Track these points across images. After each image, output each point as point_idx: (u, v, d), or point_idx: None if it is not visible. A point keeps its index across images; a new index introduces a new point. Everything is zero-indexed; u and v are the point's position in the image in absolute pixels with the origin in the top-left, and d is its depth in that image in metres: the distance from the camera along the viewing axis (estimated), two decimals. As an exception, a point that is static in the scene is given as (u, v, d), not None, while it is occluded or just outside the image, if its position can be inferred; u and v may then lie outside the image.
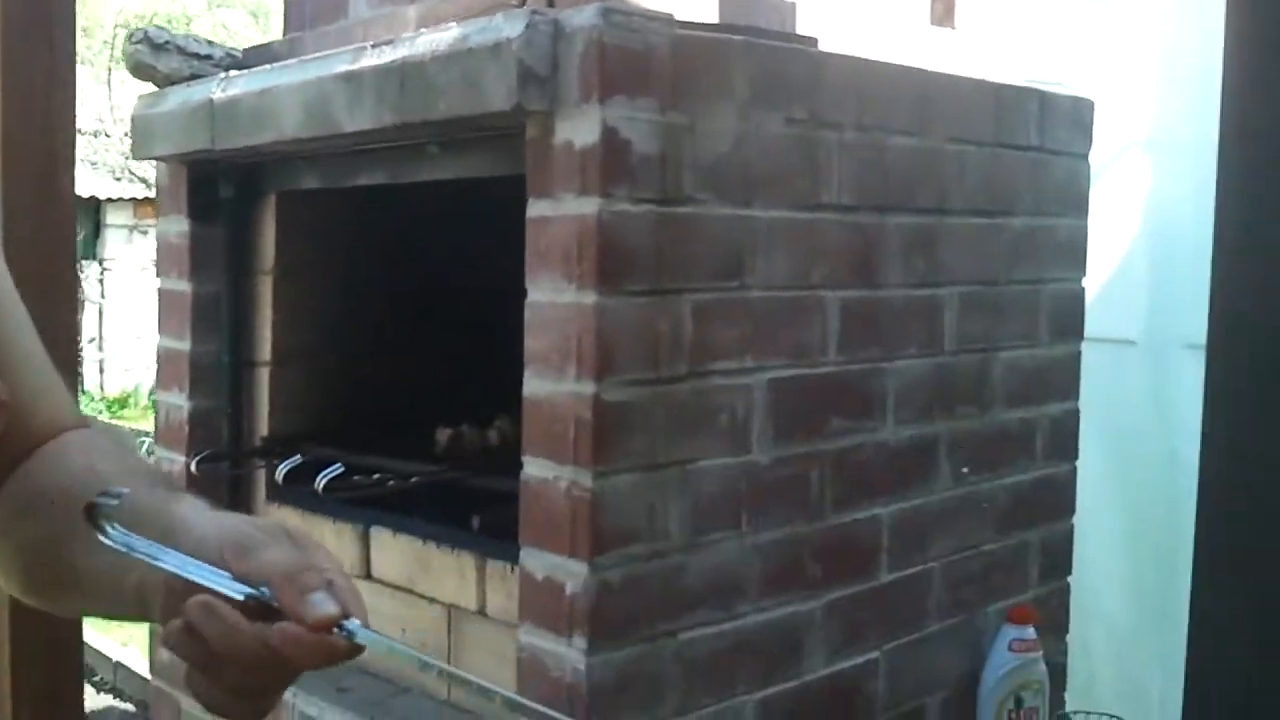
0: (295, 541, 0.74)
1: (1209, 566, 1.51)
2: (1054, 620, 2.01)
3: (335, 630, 0.69)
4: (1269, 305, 1.45)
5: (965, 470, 1.80)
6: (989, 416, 1.83)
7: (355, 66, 1.56)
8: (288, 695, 1.79)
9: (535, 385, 1.37)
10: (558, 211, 1.34)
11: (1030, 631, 1.83)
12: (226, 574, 0.71)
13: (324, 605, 0.69)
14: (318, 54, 1.72)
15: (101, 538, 0.72)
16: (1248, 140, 1.47)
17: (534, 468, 1.38)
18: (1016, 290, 1.85)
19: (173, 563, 0.71)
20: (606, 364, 1.31)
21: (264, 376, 2.04)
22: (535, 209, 1.37)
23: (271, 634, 0.69)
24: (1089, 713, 2.00)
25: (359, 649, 0.70)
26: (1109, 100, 2.24)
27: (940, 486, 1.76)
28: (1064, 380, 1.97)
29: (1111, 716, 1.99)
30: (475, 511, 1.62)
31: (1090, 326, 2.23)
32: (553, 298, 1.34)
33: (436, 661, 0.75)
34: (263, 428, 2.04)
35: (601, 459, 1.32)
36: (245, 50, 2.16)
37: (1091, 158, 2.00)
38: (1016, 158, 1.82)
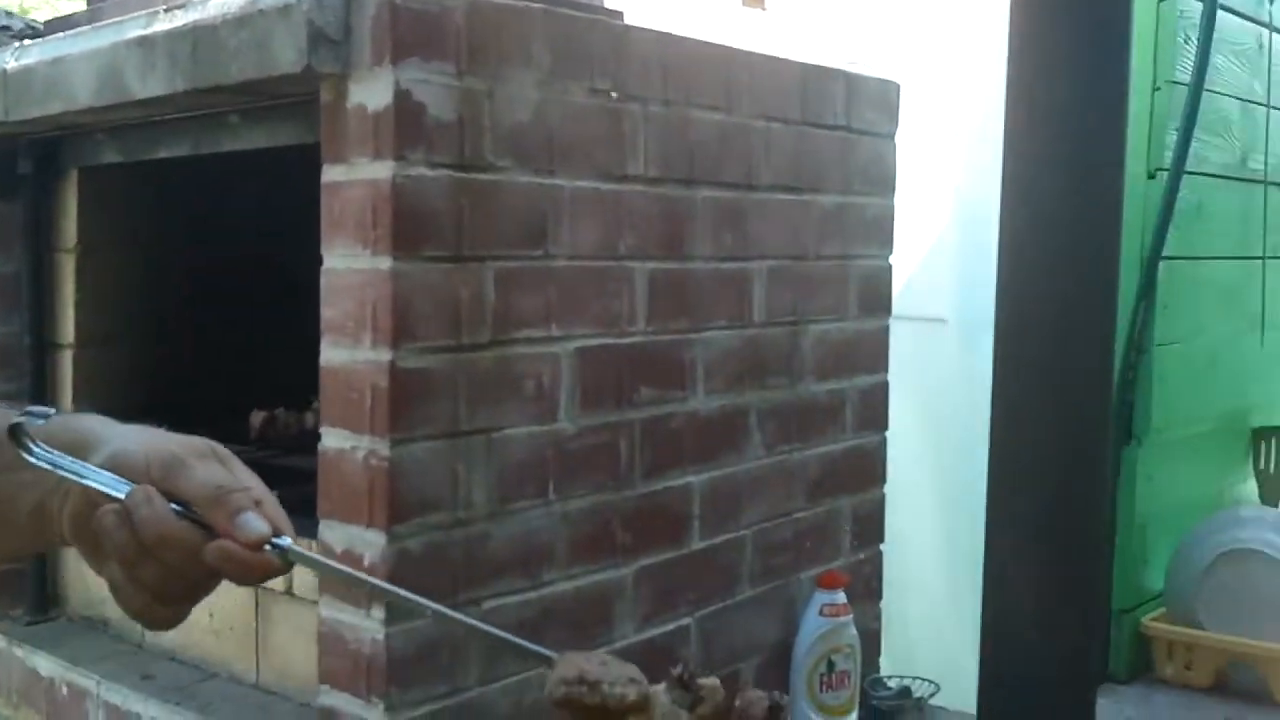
0: (221, 460, 0.74)
1: (1000, 526, 1.57)
2: (867, 586, 2.07)
3: (267, 548, 0.71)
4: (1047, 285, 1.52)
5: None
6: (799, 387, 1.87)
7: (148, 31, 1.52)
8: (91, 683, 1.73)
9: (332, 354, 1.35)
10: (351, 176, 1.32)
11: (840, 596, 1.88)
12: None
13: (255, 524, 0.70)
14: (112, 20, 1.67)
15: (26, 456, 0.71)
16: (1032, 131, 1.53)
17: (331, 438, 1.36)
18: (825, 265, 1.90)
19: (100, 480, 0.70)
20: (403, 330, 1.30)
21: (67, 359, 1.96)
22: (330, 174, 1.35)
23: (208, 550, 0.70)
24: (901, 676, 2.07)
25: (290, 565, 0.72)
26: (924, 86, 2.32)
27: (752, 455, 1.79)
28: (873, 353, 2.03)
29: (924, 680, 2.06)
30: (278, 490, 1.58)
31: (905, 305, 2.30)
32: (348, 264, 1.33)
33: (367, 578, 0.80)
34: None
35: (399, 427, 1.31)
36: (46, 21, 2.08)
37: (907, 142, 2.07)
38: (823, 136, 1.86)
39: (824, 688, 1.87)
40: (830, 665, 1.87)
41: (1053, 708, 1.55)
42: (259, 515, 0.71)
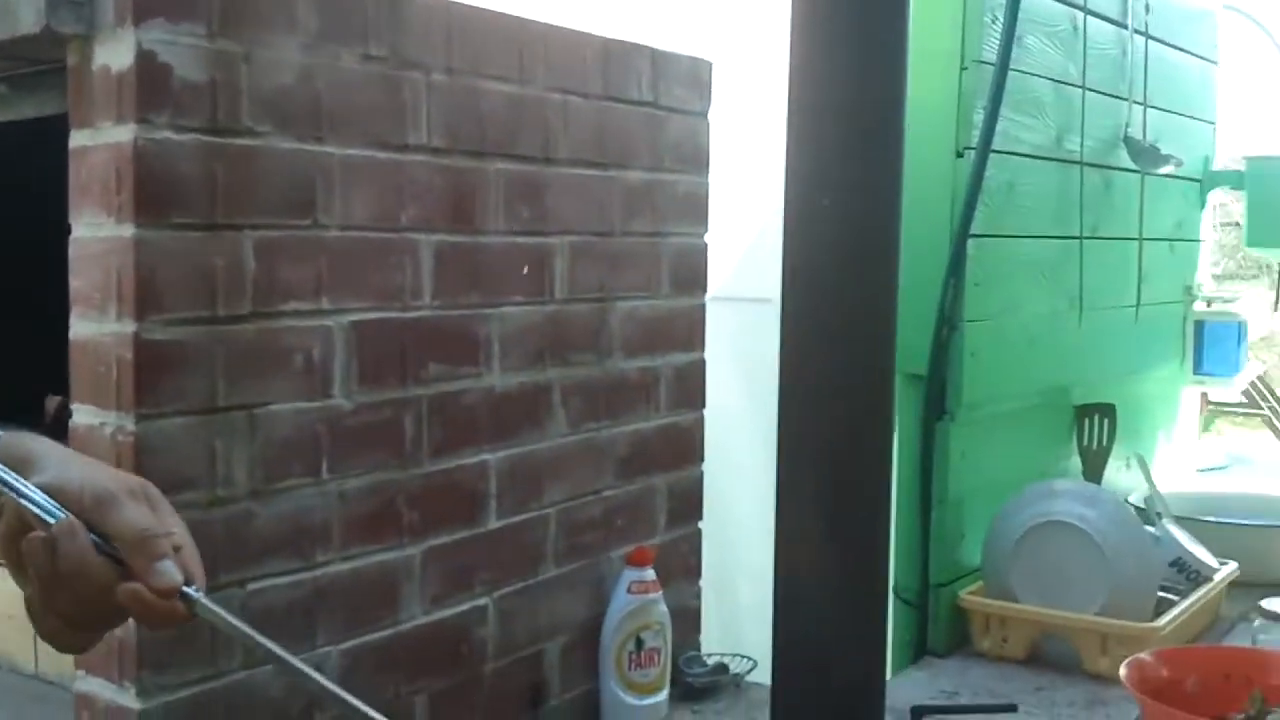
0: (151, 503, 0.79)
1: (787, 504, 1.58)
2: (685, 564, 2.07)
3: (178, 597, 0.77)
4: (821, 263, 1.51)
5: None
6: (607, 364, 1.86)
7: (-103, -8, 1.44)
8: None
9: (80, 327, 1.30)
10: (96, 141, 1.27)
11: (649, 573, 1.87)
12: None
13: (170, 574, 0.76)
14: None
15: None
16: (805, 113, 1.52)
17: (81, 415, 1.31)
18: (634, 242, 1.89)
19: (36, 503, 0.75)
20: (149, 301, 1.25)
21: None
22: (76, 139, 1.29)
23: (120, 590, 0.75)
24: (721, 654, 2.07)
25: (195, 615, 0.78)
26: (749, 68, 2.33)
27: (555, 433, 1.77)
28: (688, 331, 2.03)
29: (742, 656, 2.06)
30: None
31: (733, 287, 2.31)
32: (93, 232, 1.27)
33: (274, 647, 0.82)
34: None
35: (146, 402, 1.26)
36: None
37: (735, 125, 2.07)
38: (628, 112, 1.85)
39: (632, 665, 1.86)
40: (639, 643, 1.86)
41: (841, 685, 1.56)
42: (176, 564, 0.76)
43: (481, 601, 1.67)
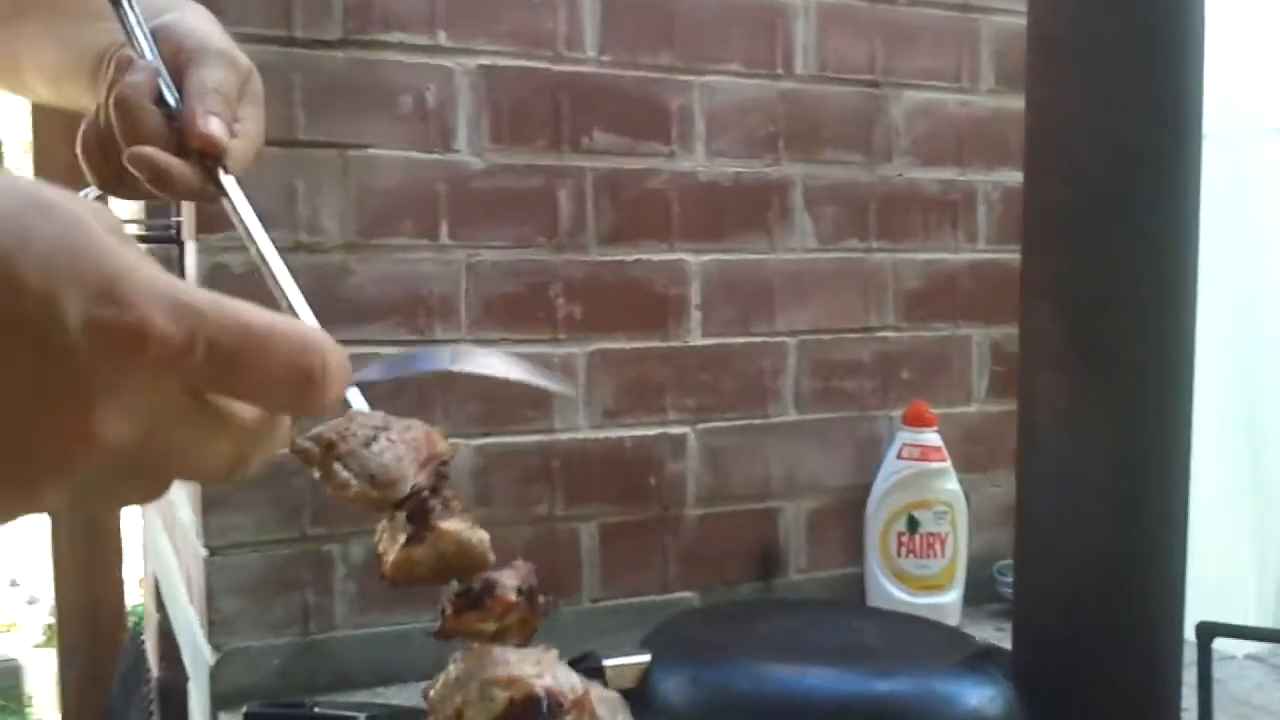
0: (247, 88, 0.67)
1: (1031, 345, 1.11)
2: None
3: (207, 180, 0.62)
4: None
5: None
6: (882, 170, 1.48)
7: None
8: None
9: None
10: None
11: (930, 437, 1.45)
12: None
13: (216, 129, 0.62)
14: None
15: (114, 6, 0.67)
16: None
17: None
18: (929, 14, 1.49)
19: (138, 38, 0.66)
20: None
21: None
22: None
23: (130, 153, 0.62)
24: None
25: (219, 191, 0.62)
26: None
27: (797, 244, 1.44)
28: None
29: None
30: None
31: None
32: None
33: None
34: None
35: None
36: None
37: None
38: None
39: (903, 551, 1.46)
40: (912, 523, 1.45)
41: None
42: (224, 124, 0.63)
43: (677, 430, 1.38)
